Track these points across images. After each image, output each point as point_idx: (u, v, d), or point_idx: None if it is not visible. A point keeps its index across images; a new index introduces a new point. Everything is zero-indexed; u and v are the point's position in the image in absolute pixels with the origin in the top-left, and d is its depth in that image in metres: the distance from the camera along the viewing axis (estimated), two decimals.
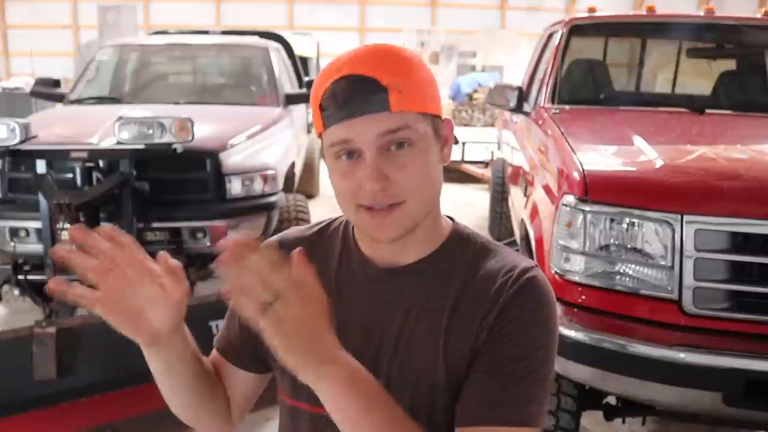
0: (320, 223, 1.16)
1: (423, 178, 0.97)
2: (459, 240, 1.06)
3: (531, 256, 2.86)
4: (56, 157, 3.55)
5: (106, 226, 0.93)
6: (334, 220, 1.14)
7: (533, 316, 0.98)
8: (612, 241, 2.24)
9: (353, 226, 1.09)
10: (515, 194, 4.12)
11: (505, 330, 0.97)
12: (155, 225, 3.64)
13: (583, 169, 2.38)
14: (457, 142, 1.06)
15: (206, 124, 3.92)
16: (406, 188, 0.95)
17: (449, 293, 1.01)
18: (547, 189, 2.77)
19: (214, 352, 1.18)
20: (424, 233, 1.03)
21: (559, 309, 2.29)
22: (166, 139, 3.44)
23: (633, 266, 2.22)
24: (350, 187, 0.96)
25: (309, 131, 6.57)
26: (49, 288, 0.88)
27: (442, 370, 0.99)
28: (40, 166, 3.46)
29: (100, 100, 5.10)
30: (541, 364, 0.97)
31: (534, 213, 2.91)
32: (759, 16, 4.14)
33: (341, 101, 0.93)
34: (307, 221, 4.22)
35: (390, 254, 1.04)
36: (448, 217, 1.10)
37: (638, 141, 2.70)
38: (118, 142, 3.46)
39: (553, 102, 3.64)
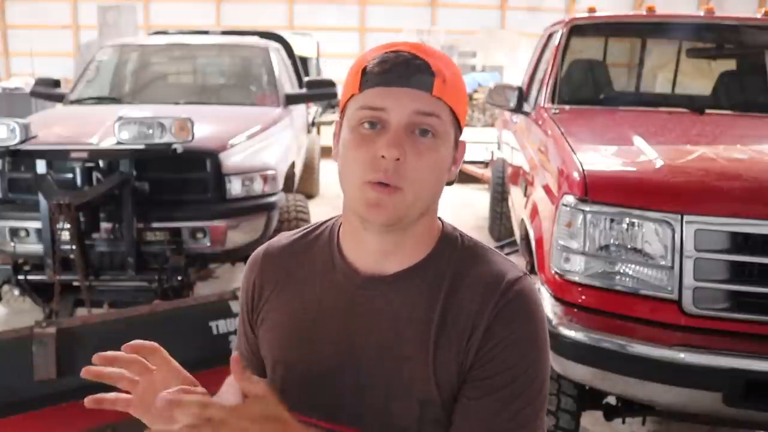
0: (307, 227, 1.15)
1: (431, 173, 0.96)
2: (447, 243, 1.05)
3: (531, 256, 2.86)
4: (56, 157, 3.55)
5: (130, 343, 1.00)
6: (322, 224, 1.13)
7: (521, 333, 0.96)
8: (612, 241, 2.24)
9: (339, 231, 1.08)
10: (515, 194, 4.12)
11: (494, 351, 0.95)
12: (155, 225, 3.64)
13: (583, 169, 2.38)
14: (451, 183, 1.04)
15: (206, 124, 3.92)
16: (412, 175, 0.94)
17: (436, 304, 0.99)
18: (547, 189, 2.77)
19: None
20: (413, 241, 1.02)
21: (559, 309, 2.30)
22: (166, 139, 3.44)
23: (633, 266, 2.22)
24: (364, 159, 0.94)
25: (309, 131, 6.57)
26: (87, 402, 0.97)
27: (433, 384, 0.97)
28: (40, 166, 3.46)
29: (100, 100, 5.09)
30: (532, 381, 0.96)
31: (534, 213, 2.91)
32: (759, 16, 4.14)
33: (389, 67, 0.95)
34: (306, 221, 4.22)
35: (376, 260, 1.02)
36: (438, 218, 1.08)
37: (638, 141, 2.70)
38: (118, 142, 3.45)
39: (553, 102, 3.64)
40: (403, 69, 0.94)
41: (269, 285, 1.10)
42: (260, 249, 1.16)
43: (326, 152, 7.76)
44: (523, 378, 0.95)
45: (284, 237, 1.15)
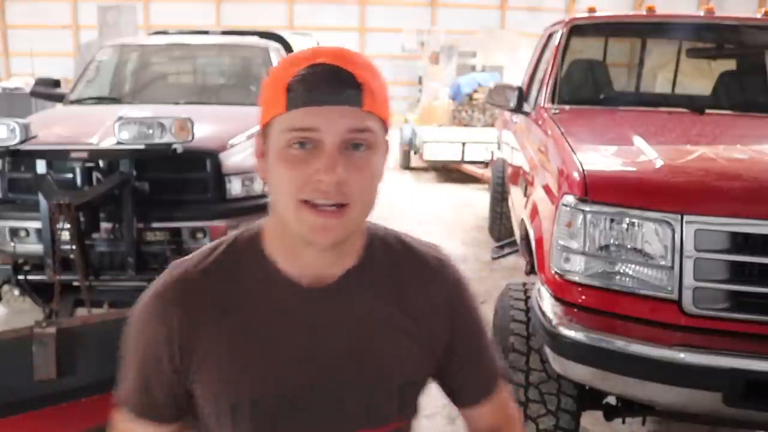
0: (214, 249, 1.03)
1: (372, 184, 0.96)
2: (374, 238, 1.07)
3: (531, 256, 2.86)
4: (56, 157, 3.55)
5: None
6: (225, 244, 1.04)
7: (470, 299, 1.13)
8: (612, 241, 2.24)
9: (263, 246, 1.01)
10: (515, 194, 4.12)
11: (462, 322, 1.10)
12: (155, 225, 3.64)
13: (583, 169, 2.38)
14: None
15: (206, 124, 3.92)
16: (356, 191, 0.92)
17: (390, 297, 1.04)
18: (547, 189, 2.77)
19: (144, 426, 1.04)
20: (351, 245, 1.01)
21: (559, 309, 2.30)
22: (166, 139, 3.44)
23: (633, 266, 2.22)
24: (298, 179, 0.91)
25: None
26: None
27: (410, 369, 1.05)
28: (40, 166, 3.46)
29: (100, 100, 5.09)
30: (486, 328, 1.17)
31: (534, 213, 2.91)
32: (759, 16, 4.14)
33: (315, 85, 0.90)
34: None
35: (317, 269, 1.00)
36: None
37: (638, 141, 2.69)
38: (118, 142, 3.46)
39: (553, 102, 3.64)
40: (330, 85, 0.90)
41: (201, 319, 0.98)
42: (168, 285, 1.00)
43: None
44: (484, 329, 1.16)
45: (193, 267, 1.01)
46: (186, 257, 1.04)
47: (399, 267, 1.06)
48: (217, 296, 0.99)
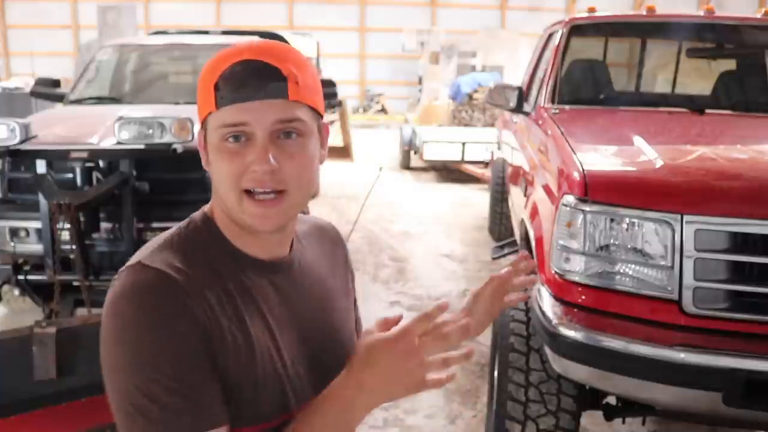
0: (177, 240, 1.02)
1: (306, 169, 1.00)
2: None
3: (531, 255, 2.86)
4: (56, 157, 3.55)
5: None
6: (187, 232, 1.04)
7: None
8: (612, 241, 2.24)
9: (219, 230, 1.03)
10: (515, 194, 4.12)
11: (353, 275, 1.27)
12: (155, 225, 3.64)
13: (583, 169, 2.38)
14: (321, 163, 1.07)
15: None
16: (291, 177, 0.98)
17: (326, 265, 1.17)
18: (547, 189, 2.77)
19: None
20: (293, 225, 1.09)
21: (559, 309, 2.30)
22: (166, 139, 3.44)
23: (633, 266, 2.22)
24: (236, 171, 0.96)
25: None
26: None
27: (353, 323, 1.20)
28: (40, 166, 3.47)
29: (100, 100, 5.10)
30: None
31: (534, 213, 2.91)
32: (759, 16, 4.14)
33: (240, 83, 0.95)
34: None
35: (270, 248, 1.06)
36: None
37: (638, 141, 2.69)
38: (118, 142, 3.46)
39: (553, 102, 3.64)
40: (254, 81, 0.95)
41: (212, 308, 0.96)
42: (165, 278, 0.94)
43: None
44: None
45: (168, 258, 0.97)
46: (145, 255, 0.98)
47: (316, 238, 1.19)
48: (211, 285, 0.97)
